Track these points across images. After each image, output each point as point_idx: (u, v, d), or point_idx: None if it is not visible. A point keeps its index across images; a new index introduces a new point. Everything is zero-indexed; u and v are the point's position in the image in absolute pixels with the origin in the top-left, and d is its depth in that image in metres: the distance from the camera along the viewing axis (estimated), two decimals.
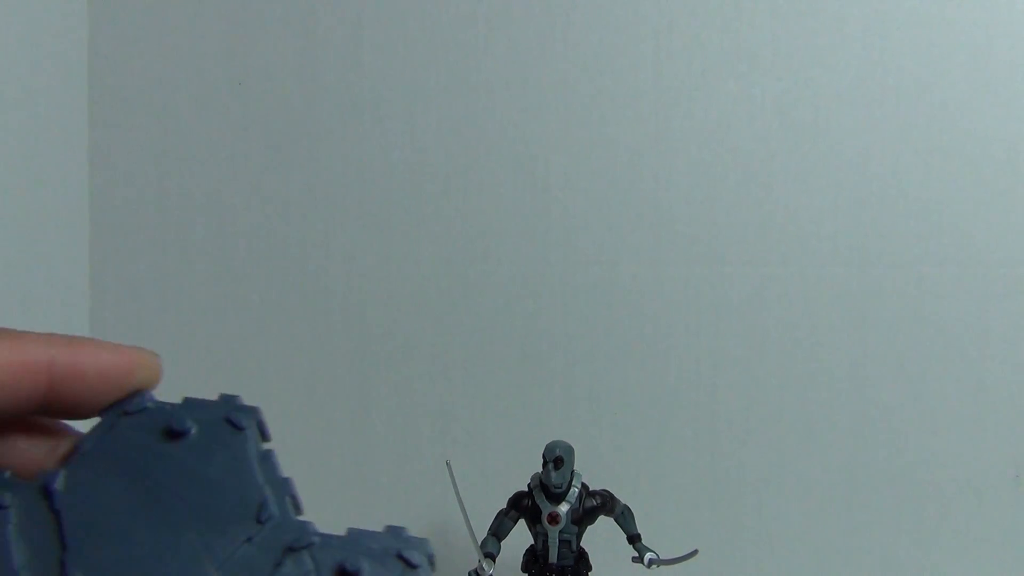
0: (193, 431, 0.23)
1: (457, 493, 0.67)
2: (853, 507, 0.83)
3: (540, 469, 0.68)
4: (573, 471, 0.69)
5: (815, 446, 0.83)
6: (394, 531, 0.22)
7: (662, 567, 0.70)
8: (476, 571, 0.67)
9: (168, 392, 0.24)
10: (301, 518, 0.22)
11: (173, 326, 0.87)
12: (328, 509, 0.87)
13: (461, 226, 0.85)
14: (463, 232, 0.85)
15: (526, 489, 0.70)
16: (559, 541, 0.68)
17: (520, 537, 0.70)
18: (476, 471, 0.83)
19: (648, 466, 0.84)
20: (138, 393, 0.23)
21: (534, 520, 0.69)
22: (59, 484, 0.22)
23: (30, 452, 0.23)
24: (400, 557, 0.22)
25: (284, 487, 0.23)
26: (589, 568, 0.70)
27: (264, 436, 0.23)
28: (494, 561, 0.68)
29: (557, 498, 0.68)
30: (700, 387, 0.84)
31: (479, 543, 0.68)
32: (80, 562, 0.20)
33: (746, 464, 0.84)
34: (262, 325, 0.86)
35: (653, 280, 0.84)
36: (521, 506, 0.69)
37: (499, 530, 0.69)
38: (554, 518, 0.68)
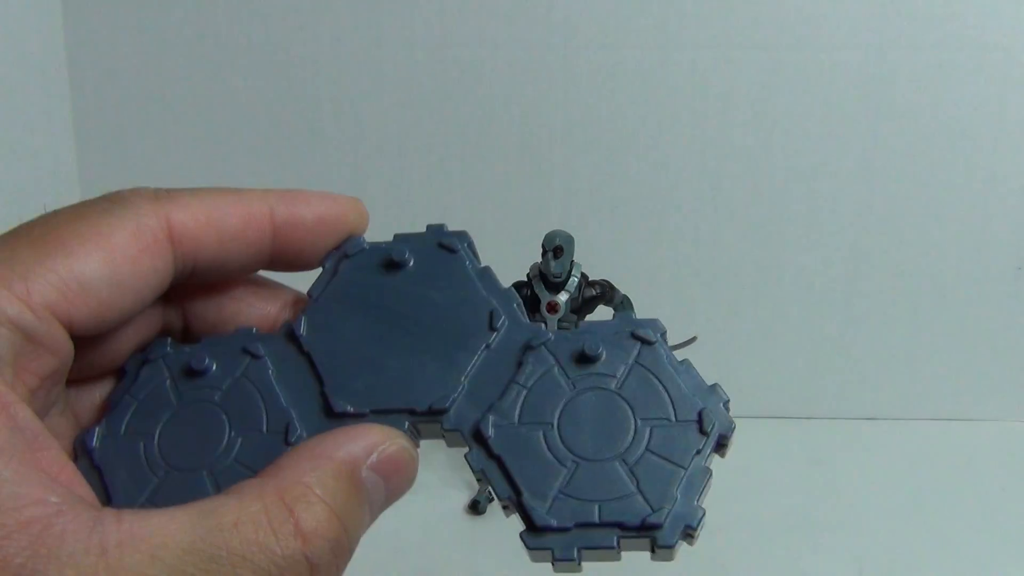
0: (412, 261, 0.24)
1: None
2: (852, 298, 0.84)
3: (539, 259, 0.68)
4: (573, 261, 0.68)
5: (817, 237, 0.83)
6: (621, 316, 0.24)
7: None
8: None
9: None
10: (531, 322, 0.24)
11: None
12: None
13: (455, 7, 0.79)
14: (457, 14, 0.79)
15: (525, 279, 0.70)
16: (558, 330, 0.69)
17: None
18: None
19: (648, 256, 0.83)
20: (352, 238, 0.25)
21: (533, 309, 0.69)
22: (303, 329, 0.23)
23: (263, 309, 0.25)
24: (634, 336, 0.23)
25: (508, 296, 0.24)
26: None
27: (475, 255, 0.25)
28: None
29: (556, 287, 0.68)
30: (703, 176, 0.82)
31: None
32: (340, 391, 0.22)
33: (747, 254, 0.83)
34: (251, 121, 0.83)
35: (658, 66, 0.79)
36: (520, 295, 0.69)
37: None
38: (553, 307, 0.68)
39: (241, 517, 0.18)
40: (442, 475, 0.73)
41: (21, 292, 0.19)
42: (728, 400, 0.22)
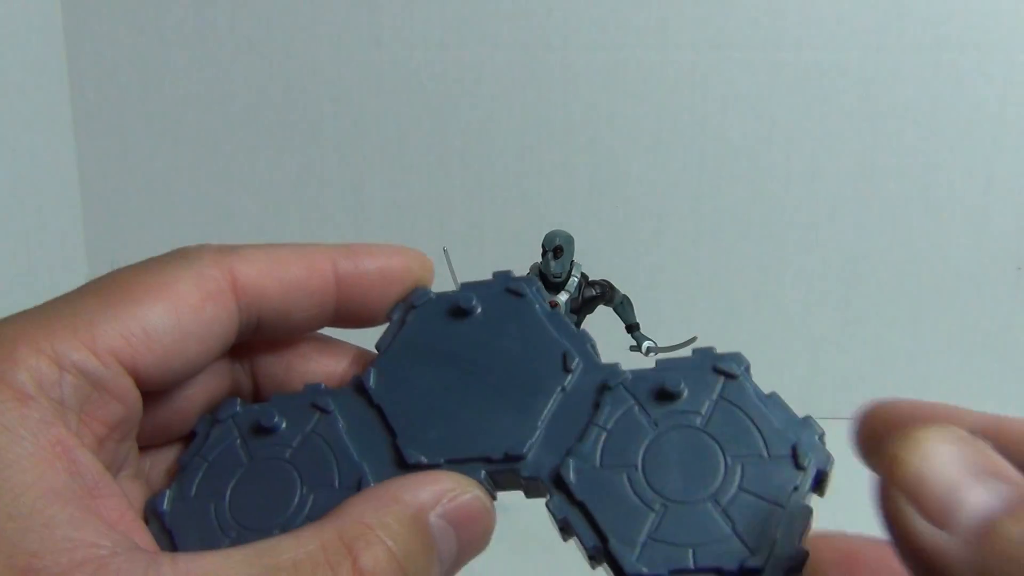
0: (479, 308, 0.24)
1: (455, 280, 0.67)
2: (852, 298, 0.84)
3: (539, 259, 0.67)
4: (572, 261, 0.68)
5: (816, 237, 0.82)
6: (702, 352, 0.22)
7: (659, 355, 0.70)
8: None
9: None
10: (607, 362, 0.23)
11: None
12: None
13: (455, 7, 0.79)
14: (457, 14, 0.79)
15: None
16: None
17: None
18: (474, 262, 0.83)
19: (648, 256, 0.83)
20: (418, 288, 0.25)
21: None
22: (372, 382, 0.23)
23: (329, 366, 0.25)
24: (717, 370, 0.22)
25: (582, 337, 0.23)
26: None
27: (544, 298, 0.24)
28: None
29: (556, 287, 0.68)
30: (703, 176, 0.81)
31: None
32: (412, 442, 0.21)
33: (746, 255, 0.83)
34: (250, 121, 0.82)
35: (658, 66, 0.79)
36: None
37: None
38: (553, 307, 0.67)
39: (299, 555, 0.18)
40: None
41: (86, 339, 0.19)
42: (823, 433, 0.21)
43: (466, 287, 0.25)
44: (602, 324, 0.71)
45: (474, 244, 0.83)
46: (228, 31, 0.80)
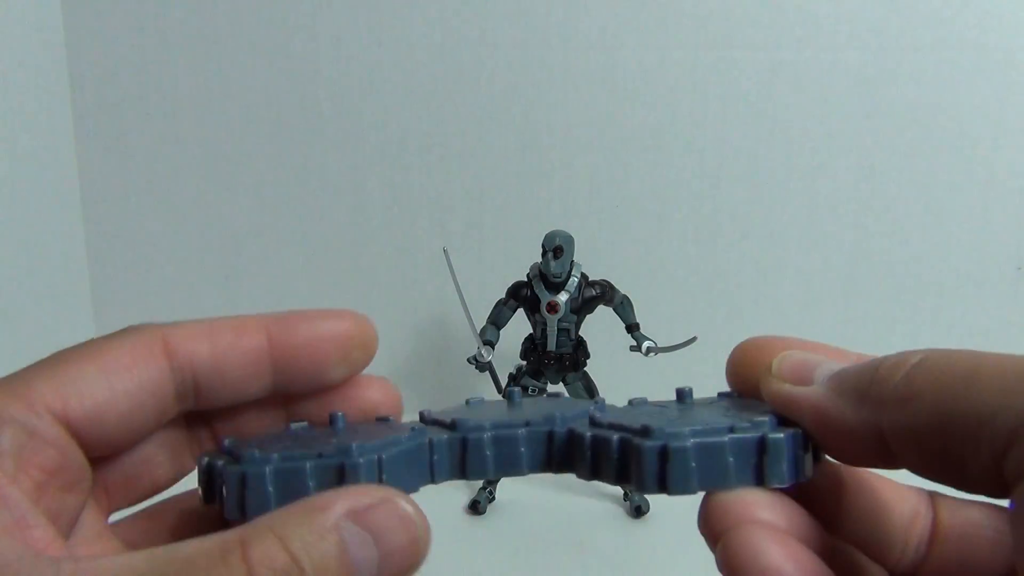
0: (519, 399, 0.28)
1: (455, 280, 0.67)
2: (851, 299, 0.84)
3: (539, 259, 0.68)
4: (573, 261, 0.68)
5: (816, 238, 0.83)
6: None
7: (659, 355, 0.71)
8: (475, 358, 0.68)
9: None
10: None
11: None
12: (327, 301, 0.88)
13: (455, 7, 0.79)
14: (457, 14, 0.79)
15: (525, 279, 0.70)
16: (558, 330, 0.69)
17: (520, 327, 0.71)
18: (475, 262, 0.83)
19: (648, 256, 0.83)
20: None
21: (533, 309, 0.69)
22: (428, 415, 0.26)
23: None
24: (719, 394, 0.26)
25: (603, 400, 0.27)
26: (587, 356, 0.71)
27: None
28: (493, 349, 0.69)
29: (556, 287, 0.68)
30: (703, 177, 0.82)
31: (478, 331, 0.69)
32: (463, 421, 0.24)
33: (746, 255, 0.83)
34: (251, 121, 0.82)
35: (657, 66, 0.80)
36: (520, 295, 0.69)
37: (498, 319, 0.70)
38: (553, 307, 0.68)
39: (197, 551, 0.19)
40: None
41: (23, 395, 0.22)
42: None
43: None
44: (602, 324, 0.71)
45: (474, 244, 0.83)
46: (228, 31, 0.80)
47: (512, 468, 0.24)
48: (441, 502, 0.69)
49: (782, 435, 0.21)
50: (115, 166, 0.84)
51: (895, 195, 0.81)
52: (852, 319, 0.84)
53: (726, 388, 0.26)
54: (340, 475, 0.21)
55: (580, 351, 0.70)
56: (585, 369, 0.71)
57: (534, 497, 0.69)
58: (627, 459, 0.22)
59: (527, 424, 0.24)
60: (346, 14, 0.80)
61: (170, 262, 0.86)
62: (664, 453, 0.21)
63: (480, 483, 0.68)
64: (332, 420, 0.25)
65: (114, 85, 0.82)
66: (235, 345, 0.24)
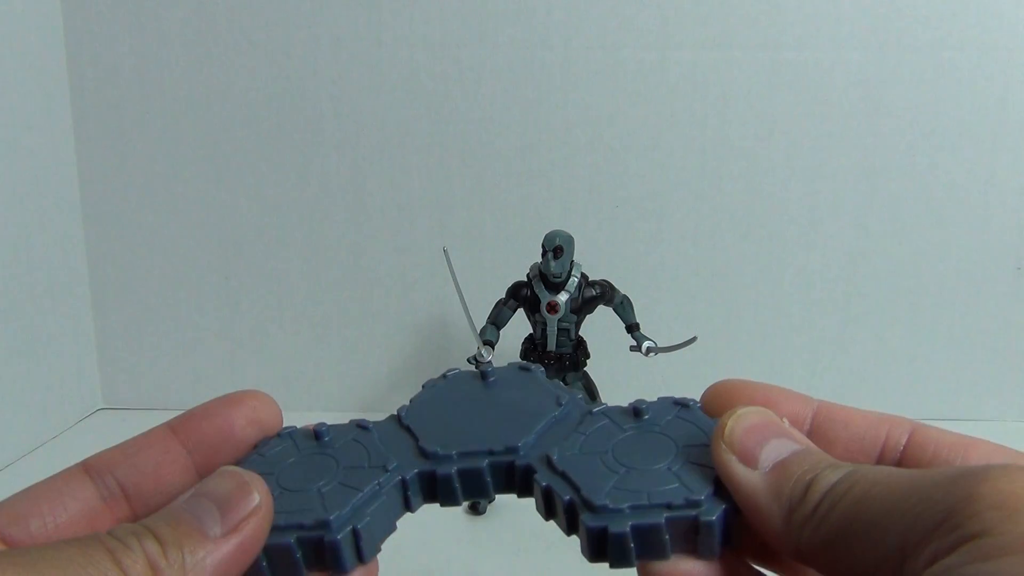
0: (494, 376, 0.30)
1: (455, 279, 0.67)
2: (852, 298, 0.84)
3: (539, 259, 0.67)
4: (573, 261, 0.68)
5: (817, 237, 0.83)
6: (662, 398, 0.28)
7: (659, 355, 0.71)
8: (475, 358, 0.68)
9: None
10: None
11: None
12: (327, 301, 0.88)
13: (455, 7, 0.79)
14: (457, 14, 0.79)
15: (525, 279, 0.70)
16: (558, 330, 0.69)
17: (520, 327, 0.71)
18: (474, 262, 0.83)
19: (648, 256, 0.83)
20: (450, 371, 0.31)
21: (533, 309, 0.69)
22: (405, 412, 0.29)
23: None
24: (675, 402, 0.28)
25: (572, 392, 0.29)
26: (587, 356, 0.71)
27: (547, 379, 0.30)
28: (493, 348, 0.69)
29: (556, 287, 0.68)
30: (704, 176, 0.82)
31: (478, 331, 0.69)
32: (431, 442, 0.27)
33: (747, 254, 0.83)
34: (251, 121, 0.82)
35: (658, 65, 0.79)
36: (520, 295, 0.69)
37: (498, 319, 0.70)
38: (553, 307, 0.68)
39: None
40: None
41: None
42: None
43: (490, 367, 0.31)
44: (602, 324, 0.71)
45: (474, 244, 0.83)
46: (228, 31, 0.80)
47: (480, 494, 0.27)
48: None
49: (714, 517, 0.23)
50: (115, 166, 0.84)
51: (895, 195, 0.81)
52: (852, 319, 0.84)
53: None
54: (320, 548, 0.24)
55: (580, 351, 0.70)
56: (585, 369, 0.71)
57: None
58: (574, 521, 0.24)
59: (490, 454, 0.26)
60: (346, 14, 0.80)
61: (170, 262, 0.86)
62: (603, 534, 0.23)
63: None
64: (317, 435, 0.28)
65: (114, 85, 0.82)
66: (145, 445, 0.27)
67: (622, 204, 0.82)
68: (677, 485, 0.24)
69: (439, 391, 0.30)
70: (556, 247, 0.66)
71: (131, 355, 0.87)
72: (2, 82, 0.74)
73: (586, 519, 0.23)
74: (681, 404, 0.27)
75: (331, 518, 0.24)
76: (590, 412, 0.28)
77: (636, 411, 0.27)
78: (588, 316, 0.70)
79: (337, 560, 0.24)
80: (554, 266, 0.66)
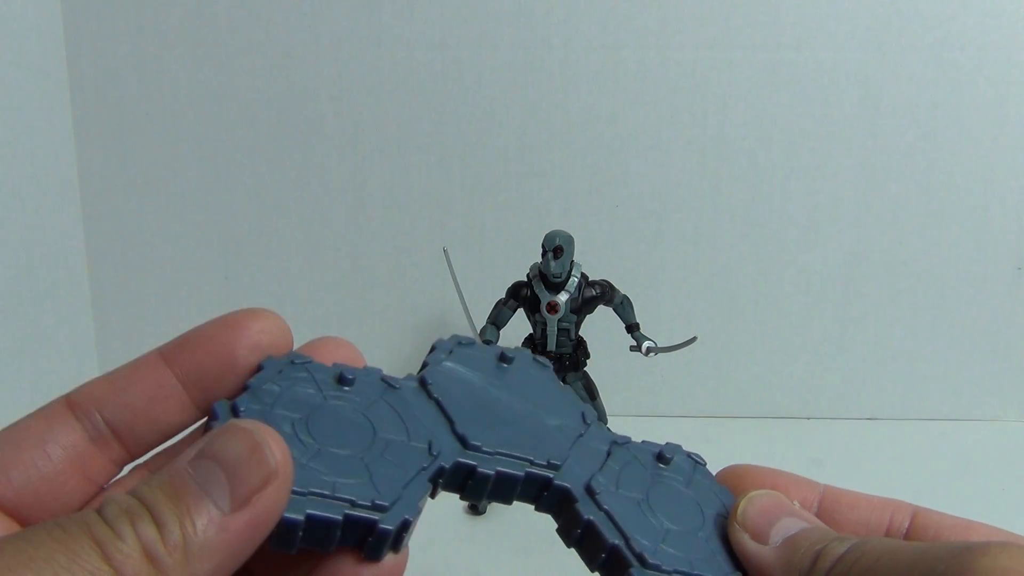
0: (514, 362, 0.29)
1: (455, 280, 0.67)
2: (852, 298, 0.84)
3: (539, 259, 0.67)
4: (573, 261, 0.68)
5: (816, 237, 0.83)
6: (669, 444, 0.29)
7: (659, 355, 0.71)
8: None
9: None
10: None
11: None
12: (327, 301, 0.88)
13: (455, 7, 0.79)
14: (457, 14, 0.79)
15: (525, 279, 0.70)
16: (558, 330, 0.69)
17: (520, 327, 0.71)
18: (474, 262, 0.83)
19: (648, 256, 0.83)
20: (460, 337, 0.29)
21: (533, 309, 0.69)
22: (431, 381, 0.27)
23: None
24: (688, 455, 0.29)
25: (589, 409, 0.29)
26: (587, 356, 0.71)
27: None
28: None
29: (556, 287, 0.68)
30: (704, 177, 0.82)
31: (478, 331, 0.69)
32: (471, 431, 0.25)
33: (747, 254, 0.83)
34: (251, 121, 0.82)
35: (658, 65, 0.79)
36: (520, 295, 0.69)
37: (498, 319, 0.70)
38: (553, 307, 0.68)
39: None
40: None
41: None
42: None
43: (506, 350, 0.30)
44: (602, 324, 0.71)
45: (474, 244, 0.83)
46: (228, 31, 0.80)
47: (502, 498, 0.26)
48: (441, 502, 0.68)
49: None
50: (115, 166, 0.84)
51: (895, 195, 0.81)
52: (852, 319, 0.84)
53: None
54: (366, 531, 0.22)
55: (580, 351, 0.70)
56: (585, 369, 0.71)
57: None
58: (612, 565, 0.24)
59: (531, 463, 0.26)
60: (346, 14, 0.80)
61: (170, 262, 0.86)
62: None
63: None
64: (342, 379, 0.25)
65: (114, 85, 0.82)
66: (132, 375, 0.25)
67: (622, 204, 0.82)
68: (713, 559, 0.25)
69: (460, 364, 0.28)
70: (556, 247, 0.66)
71: (131, 355, 0.87)
72: (2, 82, 0.74)
73: (637, 574, 0.24)
74: (695, 460, 0.28)
75: (388, 503, 0.22)
76: (615, 442, 0.28)
77: (662, 456, 0.28)
78: (588, 316, 0.70)
79: (378, 548, 0.22)
80: (554, 266, 0.66)
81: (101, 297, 0.86)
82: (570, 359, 0.70)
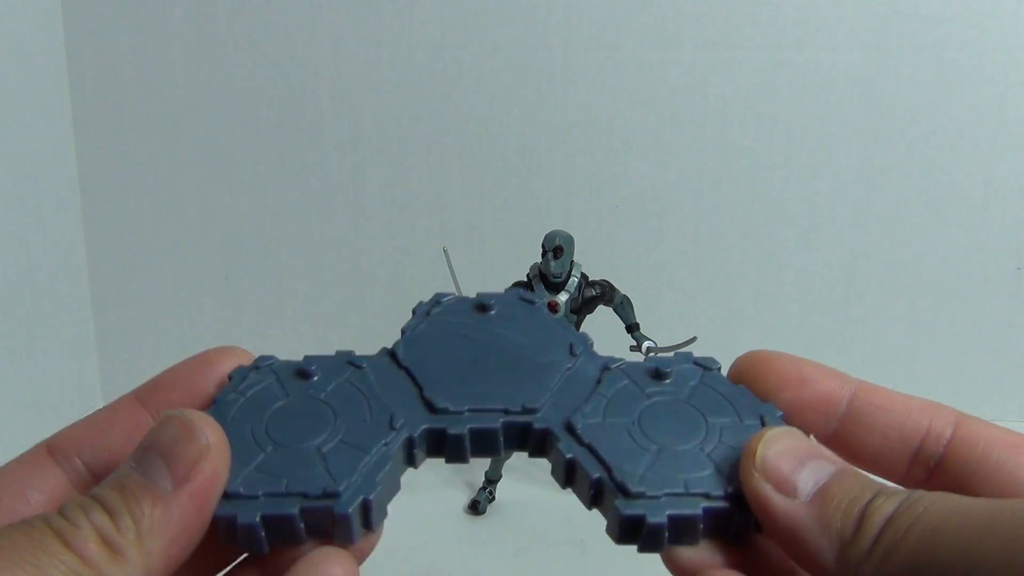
0: (496, 308, 0.28)
1: (455, 280, 0.67)
2: (852, 298, 0.84)
3: (539, 259, 0.68)
4: (573, 261, 0.68)
5: (817, 238, 0.83)
6: (683, 354, 0.27)
7: (659, 355, 0.71)
8: None
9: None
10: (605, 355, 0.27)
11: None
12: (327, 301, 0.88)
13: (455, 7, 0.79)
14: (457, 14, 0.79)
15: (525, 279, 0.70)
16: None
17: None
18: (474, 262, 0.83)
19: (648, 256, 0.83)
20: (442, 295, 0.29)
21: None
22: (401, 349, 0.26)
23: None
24: (696, 363, 0.26)
25: (583, 337, 0.27)
26: None
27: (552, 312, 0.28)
28: None
29: (556, 287, 0.68)
30: (703, 177, 0.82)
31: None
32: (439, 394, 0.25)
33: (747, 254, 0.83)
34: (251, 121, 0.82)
35: (658, 66, 0.79)
36: None
37: None
38: (553, 307, 0.68)
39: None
40: (442, 475, 0.73)
41: None
42: (783, 414, 0.24)
43: (483, 295, 0.28)
44: (602, 324, 0.71)
45: (474, 244, 0.83)
46: (228, 31, 0.80)
47: (490, 452, 0.25)
48: (441, 502, 0.69)
49: (751, 513, 0.22)
50: (115, 166, 0.84)
51: (895, 195, 0.81)
52: (852, 319, 0.84)
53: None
54: (327, 519, 0.22)
55: None
56: None
57: (534, 497, 0.69)
58: (600, 498, 0.23)
59: (505, 413, 0.25)
60: (346, 14, 0.80)
61: (170, 262, 0.86)
62: (639, 522, 0.22)
63: (480, 483, 0.68)
64: (305, 373, 0.26)
65: (114, 85, 0.82)
66: (110, 418, 0.25)
67: (622, 204, 0.82)
68: (712, 472, 0.23)
69: (434, 323, 0.27)
70: (556, 247, 0.66)
71: (131, 355, 0.87)
72: (2, 82, 0.74)
73: (621, 506, 0.22)
74: (703, 367, 0.26)
75: (340, 488, 0.22)
76: (607, 367, 0.26)
77: (658, 372, 0.25)
78: (588, 316, 0.70)
79: (346, 532, 0.22)
80: (554, 266, 0.66)
81: (101, 297, 0.86)
82: None
